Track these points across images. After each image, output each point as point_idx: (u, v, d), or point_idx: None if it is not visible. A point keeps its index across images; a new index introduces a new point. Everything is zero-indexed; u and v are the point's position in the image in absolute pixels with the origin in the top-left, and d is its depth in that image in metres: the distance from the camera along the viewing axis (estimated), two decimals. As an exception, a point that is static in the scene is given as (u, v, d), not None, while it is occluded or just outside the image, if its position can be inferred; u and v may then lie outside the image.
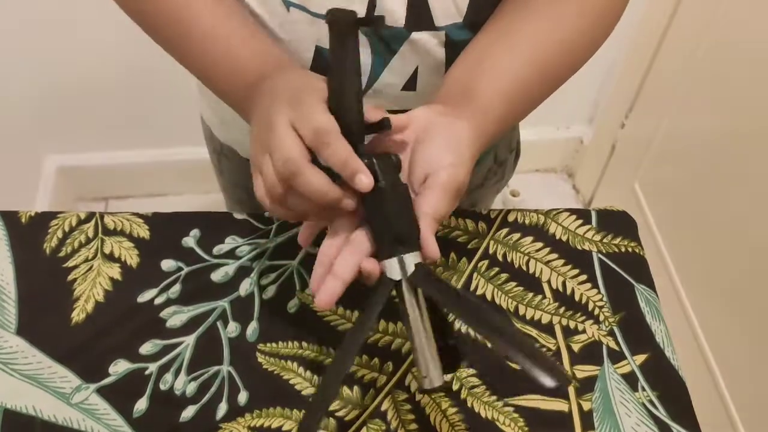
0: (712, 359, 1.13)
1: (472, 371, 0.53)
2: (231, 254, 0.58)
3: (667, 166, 1.30)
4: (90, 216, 0.60)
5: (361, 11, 0.49)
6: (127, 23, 0.54)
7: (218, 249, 0.58)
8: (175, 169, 1.44)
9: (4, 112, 1.26)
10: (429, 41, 0.52)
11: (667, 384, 0.53)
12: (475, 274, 0.58)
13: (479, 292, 0.57)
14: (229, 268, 0.57)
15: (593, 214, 0.63)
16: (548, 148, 1.60)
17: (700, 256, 1.18)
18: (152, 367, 0.52)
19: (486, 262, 0.59)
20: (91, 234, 0.59)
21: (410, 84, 0.55)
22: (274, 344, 0.53)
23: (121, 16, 0.54)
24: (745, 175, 1.05)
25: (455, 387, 0.52)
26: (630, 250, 0.61)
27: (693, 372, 1.06)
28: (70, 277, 0.56)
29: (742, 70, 1.06)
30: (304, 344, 0.53)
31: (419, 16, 0.50)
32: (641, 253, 0.61)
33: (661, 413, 0.52)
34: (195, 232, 0.59)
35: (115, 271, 0.56)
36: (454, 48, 0.53)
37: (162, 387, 0.51)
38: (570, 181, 1.65)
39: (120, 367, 0.52)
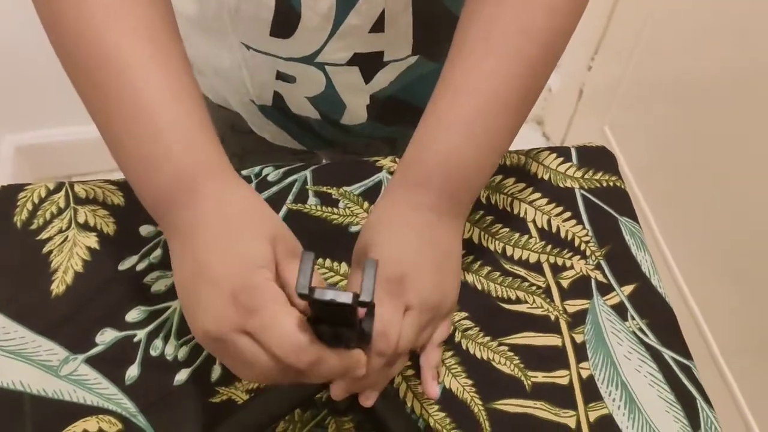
0: (688, 293, 1.15)
1: (464, 314, 0.53)
2: (211, 215, 0.57)
3: (636, 108, 1.31)
4: (59, 186, 0.58)
5: None
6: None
7: (197, 210, 0.57)
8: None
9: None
10: None
11: (655, 312, 0.54)
12: (460, 219, 0.58)
13: (466, 236, 0.57)
14: (211, 229, 0.56)
15: (573, 152, 0.63)
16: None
17: (671, 194, 1.20)
18: (141, 334, 0.51)
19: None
20: (62, 204, 0.57)
21: (378, 26, 0.54)
22: (263, 302, 0.52)
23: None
24: (713, 113, 1.06)
25: (449, 331, 0.52)
26: (611, 184, 0.61)
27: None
28: (45, 249, 0.54)
29: (708, 10, 1.06)
30: (294, 300, 0.53)
31: None
32: (622, 187, 0.62)
33: (651, 340, 0.52)
34: (171, 195, 0.58)
35: (91, 240, 0.55)
36: None
37: (153, 353, 0.50)
38: (540, 129, 1.65)
39: (107, 336, 0.50)
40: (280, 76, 0.59)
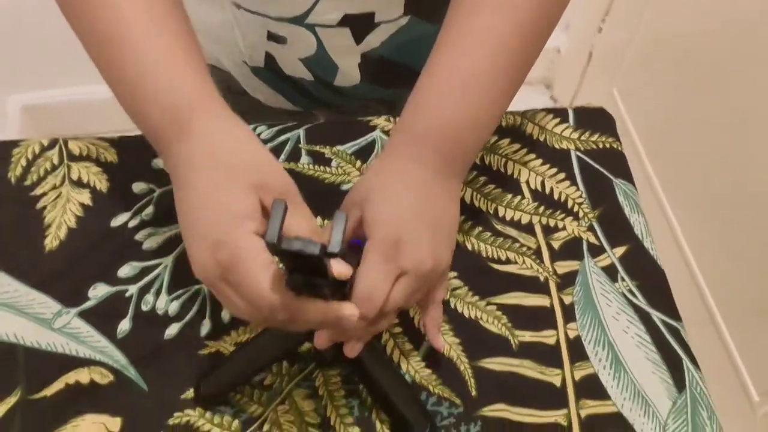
0: (690, 255, 1.15)
1: (453, 274, 0.53)
2: (203, 173, 0.57)
3: (645, 70, 1.29)
4: (53, 142, 0.58)
5: None
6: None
7: (189, 168, 0.57)
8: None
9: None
10: None
11: (646, 274, 0.54)
12: (452, 179, 0.58)
13: (458, 196, 0.57)
14: (203, 187, 0.56)
15: (570, 112, 0.62)
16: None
17: (678, 158, 1.19)
18: (132, 289, 0.51)
19: (463, 166, 0.58)
20: (56, 161, 0.57)
21: None
22: (253, 259, 0.53)
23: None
24: (723, 76, 1.04)
25: (438, 290, 0.52)
26: (608, 145, 0.61)
27: (672, 269, 1.08)
28: (39, 205, 0.54)
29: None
30: (284, 257, 0.53)
31: None
32: (619, 148, 0.61)
33: (641, 301, 0.52)
34: (164, 153, 0.58)
35: (85, 197, 0.55)
36: None
37: (144, 308, 0.50)
38: (548, 92, 1.63)
39: (99, 291, 0.51)
40: (272, 37, 0.59)
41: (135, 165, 0.57)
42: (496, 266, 0.53)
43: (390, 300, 0.40)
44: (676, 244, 1.18)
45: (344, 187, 0.56)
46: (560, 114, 0.62)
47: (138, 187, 0.56)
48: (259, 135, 0.59)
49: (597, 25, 1.40)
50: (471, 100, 0.44)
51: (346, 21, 0.55)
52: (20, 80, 1.36)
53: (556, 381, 0.49)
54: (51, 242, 0.53)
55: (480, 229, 0.55)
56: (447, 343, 0.50)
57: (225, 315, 0.51)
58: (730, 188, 1.04)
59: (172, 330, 0.50)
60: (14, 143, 0.58)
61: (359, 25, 0.56)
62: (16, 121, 1.36)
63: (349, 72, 0.62)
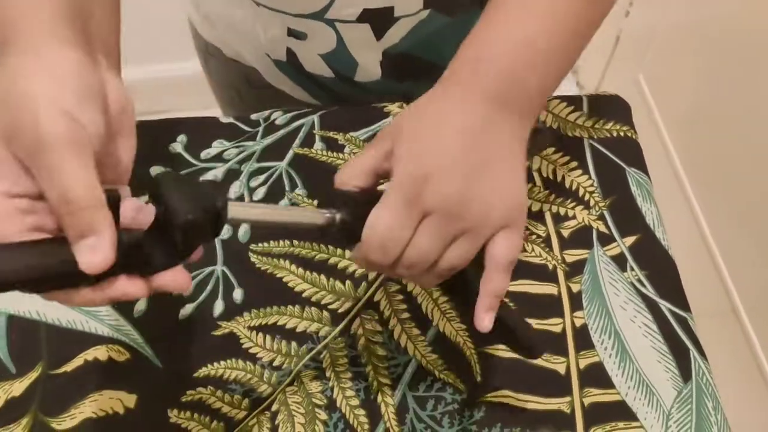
0: (715, 247, 1.13)
1: (462, 260, 0.54)
2: (219, 158, 0.58)
3: (672, 57, 1.26)
4: (76, 127, 0.60)
5: None
6: None
7: (206, 153, 0.58)
8: (171, 85, 1.42)
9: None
10: None
11: (655, 263, 0.54)
12: (464, 166, 0.58)
13: (469, 183, 0.57)
14: (218, 172, 0.57)
15: (584, 100, 0.62)
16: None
17: (703, 146, 1.17)
18: (148, 270, 0.53)
19: (475, 153, 0.59)
20: (78, 145, 0.59)
21: None
22: (265, 244, 0.54)
23: None
24: (751, 65, 1.02)
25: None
26: (622, 134, 0.60)
27: (696, 261, 1.08)
28: (62, 188, 0.56)
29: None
30: (295, 242, 0.54)
31: None
32: (634, 137, 0.60)
33: (650, 291, 0.52)
34: (182, 138, 0.59)
35: (105, 180, 0.57)
36: None
37: (159, 288, 0.52)
38: (573, 78, 1.61)
39: (117, 272, 0.53)
40: (291, 33, 0.59)
41: (153, 149, 0.58)
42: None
43: (413, 246, 0.36)
44: (701, 236, 1.17)
45: (356, 173, 0.57)
46: (574, 102, 0.62)
47: (155, 170, 0.57)
48: (274, 120, 0.60)
49: (625, 9, 1.38)
50: (557, 22, 0.40)
51: (366, 16, 0.55)
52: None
53: (561, 369, 0.49)
54: (72, 224, 0.55)
55: (490, 216, 0.56)
56: (453, 329, 0.51)
57: (237, 295, 0.52)
58: (758, 180, 1.03)
59: (186, 310, 0.51)
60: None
61: (379, 20, 0.56)
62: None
63: (369, 67, 0.62)
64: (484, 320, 0.39)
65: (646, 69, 1.33)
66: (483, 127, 0.38)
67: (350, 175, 0.39)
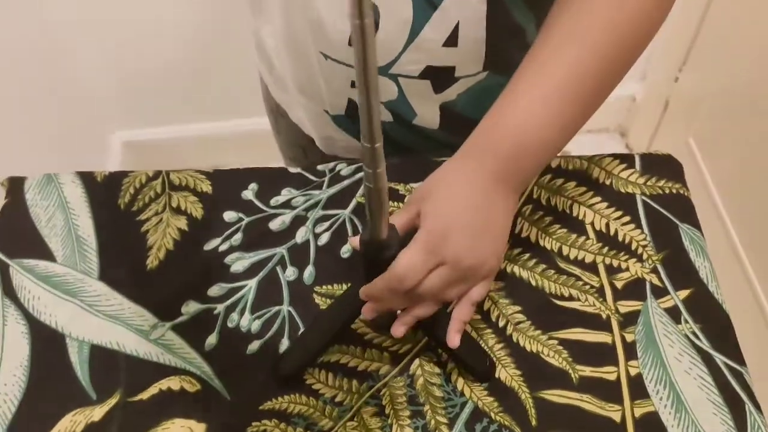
0: (765, 302, 1.11)
1: (517, 308, 0.56)
2: (287, 205, 0.62)
3: (722, 120, 1.28)
4: (157, 174, 0.65)
5: None
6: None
7: (275, 200, 0.62)
8: (237, 140, 1.49)
9: (75, 93, 1.34)
10: None
11: (710, 317, 0.55)
12: (519, 219, 0.60)
13: (524, 234, 0.60)
14: (286, 218, 0.61)
15: (637, 158, 0.64)
16: (601, 107, 1.59)
17: (756, 210, 1.16)
18: (220, 307, 0.56)
19: (530, 206, 0.61)
20: (159, 190, 0.64)
21: (451, 40, 0.57)
22: (329, 286, 0.57)
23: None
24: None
25: (501, 323, 0.55)
26: (675, 191, 0.62)
27: (745, 316, 1.06)
28: (143, 229, 0.61)
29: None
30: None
31: None
32: (686, 194, 0.62)
33: (704, 344, 0.53)
34: (253, 186, 0.63)
35: (182, 223, 0.61)
36: (495, 2, 0.54)
37: (229, 325, 0.55)
38: (623, 141, 1.63)
39: (191, 308, 0.56)
40: (355, 85, 0.63)
41: (227, 195, 0.63)
42: (559, 302, 0.56)
43: (425, 284, 0.47)
44: (757, 303, 1.15)
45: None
46: (627, 160, 0.64)
47: (228, 215, 0.62)
48: (339, 171, 0.64)
49: (674, 75, 1.41)
50: (550, 119, 0.50)
51: (428, 73, 0.59)
52: (123, 118, 1.49)
53: (616, 416, 0.50)
54: (152, 262, 0.59)
55: (544, 266, 0.58)
56: (509, 374, 0.52)
57: (302, 335, 0.55)
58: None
59: (254, 346, 0.54)
60: (125, 174, 0.65)
61: (440, 77, 0.60)
62: (118, 156, 1.48)
63: (427, 117, 0.66)
64: (455, 339, 0.50)
65: (695, 132, 1.35)
66: (485, 199, 0.49)
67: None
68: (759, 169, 1.15)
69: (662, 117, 1.46)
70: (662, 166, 0.64)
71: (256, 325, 0.55)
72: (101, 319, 0.56)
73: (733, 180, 1.23)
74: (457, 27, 0.56)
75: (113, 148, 1.49)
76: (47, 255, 0.60)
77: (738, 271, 1.18)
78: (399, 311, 0.51)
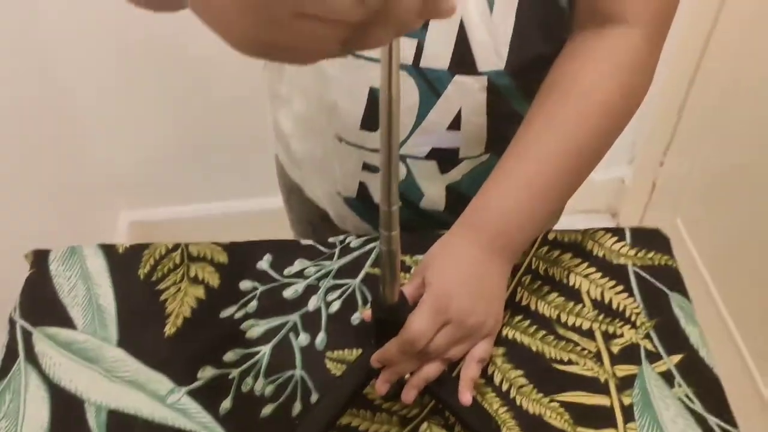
0: (761, 383, 1.13)
1: (520, 372, 0.58)
2: (300, 275, 0.65)
3: (707, 201, 1.34)
4: (176, 246, 0.68)
5: (411, 53, 0.57)
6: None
7: (288, 270, 0.66)
8: (246, 220, 1.53)
9: (84, 171, 1.39)
10: (472, 85, 0.59)
11: (702, 381, 0.57)
12: (519, 288, 0.64)
13: (524, 303, 0.63)
14: (299, 287, 0.65)
15: (627, 232, 0.69)
16: (592, 190, 1.66)
17: (742, 283, 1.20)
18: (234, 372, 0.59)
19: (529, 276, 0.65)
20: (178, 261, 0.67)
21: (455, 124, 0.62)
22: (340, 351, 0.60)
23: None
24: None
25: (504, 387, 0.58)
26: (663, 263, 0.66)
27: (738, 387, 1.07)
28: (162, 298, 0.64)
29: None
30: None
31: (462, 60, 0.57)
32: (674, 265, 0.66)
33: (698, 407, 0.56)
34: (268, 257, 0.67)
35: (199, 292, 0.64)
36: (495, 92, 0.60)
37: (243, 389, 0.58)
38: (614, 221, 1.69)
39: (207, 373, 0.59)
40: (366, 167, 0.68)
41: (242, 266, 0.66)
42: (559, 366, 0.58)
43: (433, 343, 0.51)
44: (750, 376, 1.17)
45: (421, 291, 0.64)
46: (618, 233, 0.69)
47: (244, 284, 0.65)
48: (349, 243, 0.68)
49: (659, 159, 1.48)
50: (533, 200, 0.56)
51: (434, 154, 0.64)
52: (129, 199, 1.53)
53: (617, 477, 0.52)
54: (169, 329, 0.62)
55: (544, 332, 0.61)
56: (513, 436, 0.55)
57: (314, 399, 0.57)
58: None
59: (267, 410, 0.56)
60: (145, 246, 0.69)
61: (445, 158, 0.65)
62: (123, 237, 1.52)
63: (434, 198, 0.70)
64: (467, 396, 0.53)
65: (683, 213, 1.40)
66: (481, 267, 0.55)
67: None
68: (744, 247, 1.19)
69: (650, 199, 1.53)
70: (651, 239, 0.69)
71: (269, 390, 0.58)
72: (119, 385, 0.58)
73: (721, 257, 1.27)
74: (459, 113, 0.61)
75: (119, 228, 1.53)
76: (68, 323, 0.62)
77: (732, 349, 1.21)
78: (407, 377, 0.54)
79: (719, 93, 1.25)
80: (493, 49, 0.57)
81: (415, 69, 0.58)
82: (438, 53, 0.57)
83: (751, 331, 1.18)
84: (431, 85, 0.59)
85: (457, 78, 0.58)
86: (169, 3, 0.38)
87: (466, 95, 0.59)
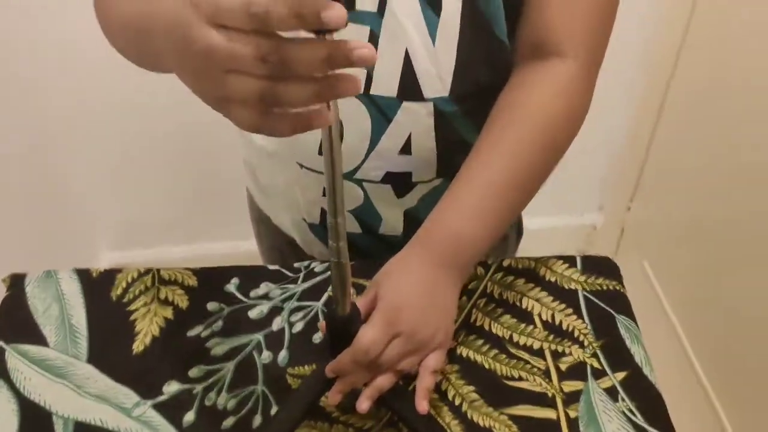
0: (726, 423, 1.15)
1: (472, 388, 0.61)
2: (265, 297, 0.68)
3: (673, 244, 1.39)
4: (148, 270, 0.71)
5: (361, 81, 0.61)
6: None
7: (255, 292, 0.69)
8: (228, 262, 1.56)
9: (65, 211, 1.42)
10: (419, 111, 0.63)
11: (644, 396, 0.60)
12: (474, 310, 0.67)
13: (478, 323, 0.66)
14: (264, 308, 0.67)
15: (578, 260, 0.73)
16: (564, 234, 1.70)
17: (708, 324, 1.24)
18: (198, 387, 0.61)
19: (484, 300, 0.68)
20: (149, 284, 0.70)
21: (405, 148, 0.66)
22: (301, 367, 0.63)
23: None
24: (748, 249, 1.13)
25: (457, 402, 0.60)
26: (612, 288, 0.70)
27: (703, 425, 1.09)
28: (132, 318, 0.67)
29: (738, 152, 1.16)
30: (327, 367, 0.62)
31: (409, 88, 0.62)
32: (623, 291, 0.70)
33: (639, 419, 0.59)
34: (235, 280, 0.70)
35: (168, 312, 0.67)
36: (441, 118, 0.64)
37: (207, 403, 0.60)
38: (585, 266, 1.73)
39: (172, 387, 0.61)
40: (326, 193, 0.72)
41: (210, 289, 0.69)
42: (509, 383, 0.61)
43: (385, 354, 0.53)
44: (710, 404, 1.20)
45: (381, 312, 0.67)
46: (569, 261, 0.73)
47: (211, 305, 0.68)
48: (313, 268, 0.71)
49: (626, 205, 1.53)
50: (482, 221, 0.60)
51: (388, 178, 0.69)
52: (110, 240, 1.56)
53: (561, 485, 0.54)
54: (138, 347, 0.64)
55: (496, 351, 0.64)
56: (464, 447, 0.57)
57: (274, 411, 0.59)
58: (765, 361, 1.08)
59: (229, 422, 0.59)
60: (118, 270, 0.72)
61: (399, 182, 0.70)
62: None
63: (392, 222, 0.75)
64: (423, 404, 0.55)
65: (649, 256, 1.45)
66: (432, 283, 0.58)
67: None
68: (709, 288, 1.23)
69: (619, 243, 1.58)
70: (601, 266, 0.72)
71: (231, 403, 0.60)
72: (87, 399, 0.60)
73: (685, 297, 1.31)
74: (410, 138, 0.66)
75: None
76: (41, 341, 0.65)
77: (697, 387, 1.23)
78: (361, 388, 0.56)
79: (682, 143, 1.32)
80: (437, 77, 0.62)
81: (366, 96, 0.62)
82: (386, 82, 0.62)
83: (716, 368, 1.20)
84: (382, 111, 0.64)
85: (405, 104, 0.63)
86: (159, 68, 0.49)
87: (415, 120, 0.64)
